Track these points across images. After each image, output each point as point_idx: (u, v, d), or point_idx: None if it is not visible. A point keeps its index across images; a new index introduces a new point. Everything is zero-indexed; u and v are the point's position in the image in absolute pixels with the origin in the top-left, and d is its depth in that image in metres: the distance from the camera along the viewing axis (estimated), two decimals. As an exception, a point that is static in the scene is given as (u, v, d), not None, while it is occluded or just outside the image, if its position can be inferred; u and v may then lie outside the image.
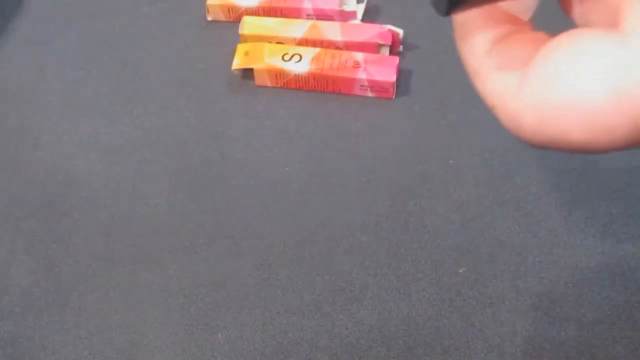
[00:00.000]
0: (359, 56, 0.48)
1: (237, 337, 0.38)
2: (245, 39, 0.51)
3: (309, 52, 0.48)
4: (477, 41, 0.23)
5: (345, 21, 0.51)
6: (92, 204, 0.44)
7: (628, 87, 0.19)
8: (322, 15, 0.52)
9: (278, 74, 0.48)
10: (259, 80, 0.49)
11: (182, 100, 0.49)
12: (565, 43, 0.20)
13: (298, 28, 0.50)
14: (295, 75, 0.48)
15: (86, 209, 0.44)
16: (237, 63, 0.49)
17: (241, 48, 0.50)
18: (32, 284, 0.41)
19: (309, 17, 0.52)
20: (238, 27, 0.51)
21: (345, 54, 0.48)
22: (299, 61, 0.48)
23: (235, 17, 0.52)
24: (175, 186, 0.44)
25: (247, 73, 0.49)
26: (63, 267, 0.41)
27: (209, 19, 0.53)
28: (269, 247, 0.41)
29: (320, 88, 0.48)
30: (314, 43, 0.50)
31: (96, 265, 0.41)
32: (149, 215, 0.43)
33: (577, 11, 0.22)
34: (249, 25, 0.51)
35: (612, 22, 0.20)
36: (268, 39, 0.50)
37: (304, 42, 0.50)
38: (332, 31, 0.50)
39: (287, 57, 0.48)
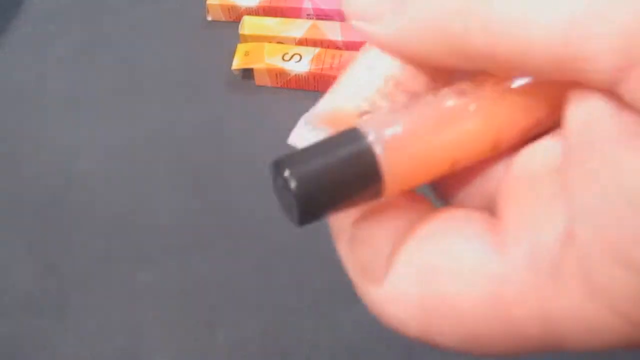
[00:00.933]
0: (359, 56, 0.48)
1: (237, 337, 0.38)
2: (245, 39, 0.51)
3: (309, 52, 0.48)
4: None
5: (345, 21, 0.51)
6: (92, 204, 0.44)
7: (499, 299, 0.16)
8: (322, 15, 0.52)
9: (278, 74, 0.48)
10: (259, 80, 0.49)
11: (182, 100, 0.49)
12: (439, 237, 0.17)
13: (298, 28, 0.50)
14: (295, 75, 0.48)
15: (86, 209, 0.44)
16: (237, 63, 0.49)
17: (241, 48, 0.49)
18: (32, 284, 0.41)
19: (309, 17, 0.52)
20: (238, 27, 0.51)
21: (346, 54, 0.48)
22: (299, 61, 0.48)
23: (235, 17, 0.52)
24: (175, 186, 0.44)
25: (247, 73, 0.49)
26: (63, 267, 0.41)
27: (209, 19, 0.53)
28: (269, 247, 0.41)
29: (320, 88, 0.48)
30: (314, 43, 0.50)
31: (96, 265, 0.41)
32: (149, 215, 0.43)
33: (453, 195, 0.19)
34: (249, 25, 0.51)
35: (489, 207, 0.18)
36: (268, 39, 0.50)
37: (304, 42, 0.50)
38: (332, 31, 0.50)
39: (287, 57, 0.48)
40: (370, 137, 0.16)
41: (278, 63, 0.48)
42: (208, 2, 0.53)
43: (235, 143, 0.46)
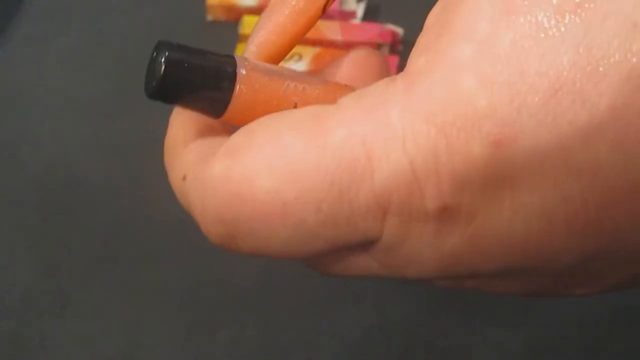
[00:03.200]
0: (359, 56, 0.48)
1: (237, 337, 0.38)
2: (245, 39, 0.50)
3: (309, 52, 0.48)
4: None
5: (345, 20, 0.51)
6: (92, 204, 0.44)
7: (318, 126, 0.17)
8: (322, 15, 0.52)
9: (278, 74, 0.48)
10: (259, 80, 0.49)
11: (182, 100, 0.49)
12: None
13: (298, 28, 0.50)
14: (295, 75, 0.48)
15: (86, 209, 0.44)
16: (237, 63, 0.49)
17: (241, 48, 0.49)
18: (32, 284, 0.40)
19: (309, 17, 0.52)
20: (238, 27, 0.51)
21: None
22: (299, 61, 0.48)
23: (235, 17, 0.52)
24: (175, 186, 0.44)
25: (247, 73, 0.49)
26: (63, 267, 0.41)
27: (209, 19, 0.53)
28: (269, 247, 0.41)
29: (320, 88, 0.48)
30: (313, 43, 0.50)
31: (96, 265, 0.41)
32: (149, 215, 0.43)
33: None
34: (249, 25, 0.51)
35: None
36: (268, 39, 0.50)
37: (303, 42, 0.50)
38: (332, 31, 0.50)
39: (287, 57, 0.48)
40: (239, 63, 0.20)
41: (278, 63, 0.48)
42: (208, 2, 0.53)
43: (235, 143, 0.46)
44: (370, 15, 0.52)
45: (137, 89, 0.54)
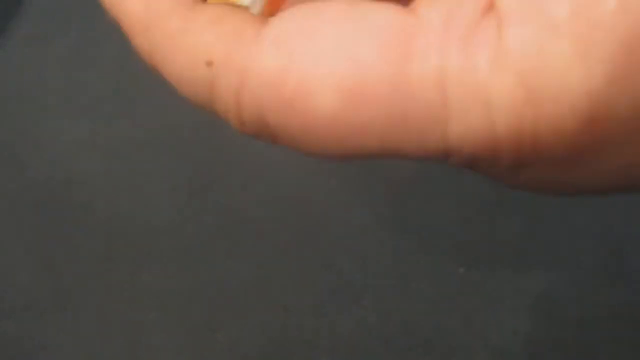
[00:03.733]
0: (359, 56, 0.48)
1: (237, 337, 0.38)
2: (245, 38, 0.50)
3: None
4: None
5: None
6: (92, 204, 0.44)
7: (401, 51, 0.15)
8: None
9: (278, 74, 0.48)
10: (259, 80, 0.49)
11: (182, 100, 0.49)
12: None
13: (298, 28, 0.50)
14: (295, 75, 0.48)
15: (86, 209, 0.44)
16: (237, 63, 0.49)
17: (241, 48, 0.49)
18: (32, 284, 0.40)
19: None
20: (238, 27, 0.51)
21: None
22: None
23: (235, 17, 0.52)
24: (175, 186, 0.44)
25: (247, 73, 0.49)
26: (63, 267, 0.41)
27: (209, 19, 0.53)
28: (269, 247, 0.41)
29: (320, 88, 0.48)
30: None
31: (96, 265, 0.41)
32: (149, 215, 0.43)
33: None
34: (249, 25, 0.51)
35: None
36: (268, 39, 0.50)
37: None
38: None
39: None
40: None
41: (278, 63, 0.48)
42: (208, 2, 0.52)
43: (235, 143, 0.46)
44: (370, 15, 0.52)
45: (137, 89, 0.55)
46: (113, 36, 0.58)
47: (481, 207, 0.42)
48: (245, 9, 0.17)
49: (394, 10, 0.15)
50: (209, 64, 0.16)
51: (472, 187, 0.43)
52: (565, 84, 0.14)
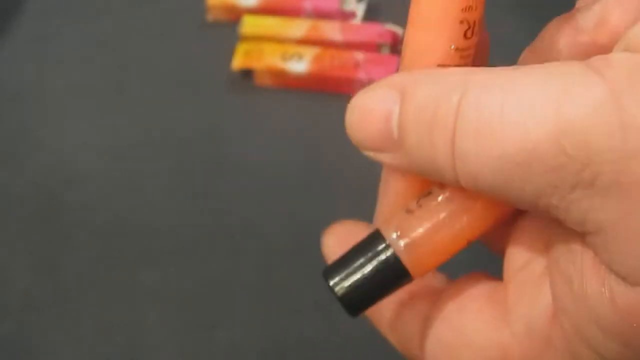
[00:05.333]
0: (359, 56, 0.48)
1: (237, 337, 0.38)
2: (245, 39, 0.50)
3: (309, 52, 0.48)
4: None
5: (345, 21, 0.51)
6: (92, 204, 0.44)
7: None
8: (322, 15, 0.52)
9: (278, 74, 0.48)
10: (259, 80, 0.49)
11: (182, 100, 0.49)
12: (453, 318, 0.22)
13: (298, 28, 0.50)
14: (295, 75, 0.48)
15: (86, 209, 0.44)
16: (237, 63, 0.49)
17: (241, 48, 0.49)
18: (32, 284, 0.40)
19: (309, 16, 0.52)
20: (238, 27, 0.51)
21: (345, 54, 0.48)
22: (299, 61, 0.48)
23: (235, 17, 0.52)
24: (175, 186, 0.44)
25: (247, 73, 0.49)
26: (63, 267, 0.41)
27: (209, 19, 0.53)
28: (269, 247, 0.41)
29: (320, 88, 0.48)
30: (314, 43, 0.50)
31: (96, 265, 0.41)
32: (149, 215, 0.43)
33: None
34: (249, 25, 0.51)
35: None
36: (268, 39, 0.50)
37: (304, 42, 0.50)
38: (332, 31, 0.50)
39: (287, 57, 0.48)
40: (393, 242, 0.20)
41: (278, 63, 0.48)
42: (208, 2, 0.53)
43: (235, 143, 0.46)
44: (370, 15, 0.52)
45: (137, 89, 0.55)
46: (113, 36, 0.59)
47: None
48: None
49: (485, 323, 0.21)
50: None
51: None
52: None
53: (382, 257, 0.21)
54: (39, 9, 0.55)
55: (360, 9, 0.52)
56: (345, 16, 0.52)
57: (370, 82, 0.47)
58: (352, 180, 0.44)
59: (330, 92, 0.48)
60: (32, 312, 0.40)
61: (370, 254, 0.21)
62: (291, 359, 0.37)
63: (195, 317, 0.39)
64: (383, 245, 0.21)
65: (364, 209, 0.43)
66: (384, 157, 0.21)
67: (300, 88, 0.49)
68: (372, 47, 0.49)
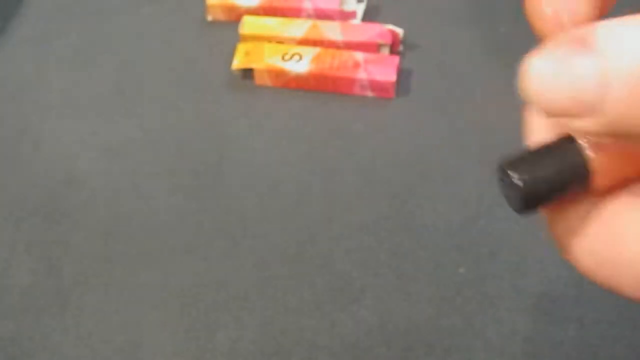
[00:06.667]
0: (359, 56, 0.48)
1: (237, 337, 0.38)
2: (245, 39, 0.51)
3: (309, 52, 0.48)
4: None
5: (345, 21, 0.51)
6: (92, 204, 0.44)
7: None
8: (322, 15, 0.52)
9: (278, 74, 0.48)
10: (259, 80, 0.49)
11: (182, 100, 0.49)
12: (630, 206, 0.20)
13: (298, 28, 0.50)
14: (295, 75, 0.48)
15: (86, 209, 0.44)
16: (237, 63, 0.49)
17: (241, 48, 0.49)
18: (32, 284, 0.41)
19: (309, 16, 0.52)
20: (238, 27, 0.51)
21: (345, 54, 0.48)
22: (299, 61, 0.48)
23: (235, 17, 0.52)
24: (175, 186, 0.44)
25: (247, 73, 0.49)
26: (63, 267, 0.41)
27: (209, 19, 0.53)
28: (269, 247, 0.41)
29: (320, 88, 0.48)
30: (314, 43, 0.50)
31: (96, 265, 0.41)
32: (149, 215, 0.43)
33: None
34: (249, 25, 0.51)
35: None
36: (268, 39, 0.50)
37: (304, 42, 0.50)
38: (332, 31, 0.50)
39: (287, 57, 0.48)
40: (581, 142, 0.19)
41: (278, 63, 0.48)
42: (208, 2, 0.53)
43: (234, 142, 0.46)
44: (370, 15, 0.52)
45: (137, 89, 0.55)
46: (113, 36, 0.59)
47: (481, 207, 0.42)
48: None
49: None
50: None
51: (472, 187, 0.43)
52: None
53: (570, 155, 0.20)
54: (39, 9, 0.55)
55: (360, 9, 0.52)
56: (345, 16, 0.52)
57: (370, 82, 0.48)
58: (352, 180, 0.44)
59: (330, 92, 0.48)
60: (32, 312, 0.40)
61: (558, 151, 0.20)
62: (291, 359, 0.37)
63: (195, 317, 0.39)
64: (573, 144, 0.19)
65: (363, 208, 0.44)
66: (580, 124, 0.19)
67: (300, 88, 0.49)
68: (372, 47, 0.49)
